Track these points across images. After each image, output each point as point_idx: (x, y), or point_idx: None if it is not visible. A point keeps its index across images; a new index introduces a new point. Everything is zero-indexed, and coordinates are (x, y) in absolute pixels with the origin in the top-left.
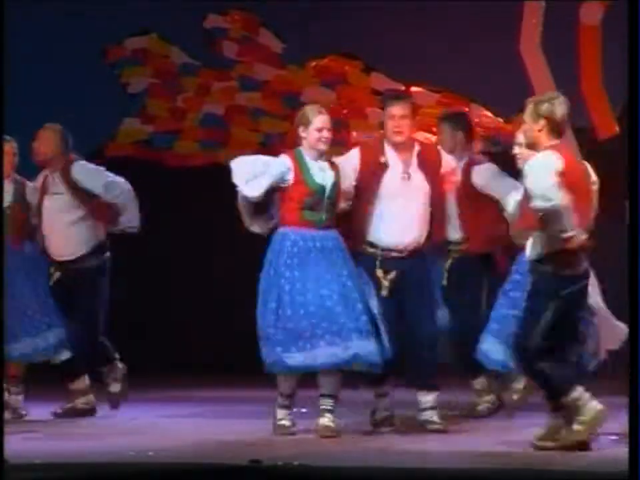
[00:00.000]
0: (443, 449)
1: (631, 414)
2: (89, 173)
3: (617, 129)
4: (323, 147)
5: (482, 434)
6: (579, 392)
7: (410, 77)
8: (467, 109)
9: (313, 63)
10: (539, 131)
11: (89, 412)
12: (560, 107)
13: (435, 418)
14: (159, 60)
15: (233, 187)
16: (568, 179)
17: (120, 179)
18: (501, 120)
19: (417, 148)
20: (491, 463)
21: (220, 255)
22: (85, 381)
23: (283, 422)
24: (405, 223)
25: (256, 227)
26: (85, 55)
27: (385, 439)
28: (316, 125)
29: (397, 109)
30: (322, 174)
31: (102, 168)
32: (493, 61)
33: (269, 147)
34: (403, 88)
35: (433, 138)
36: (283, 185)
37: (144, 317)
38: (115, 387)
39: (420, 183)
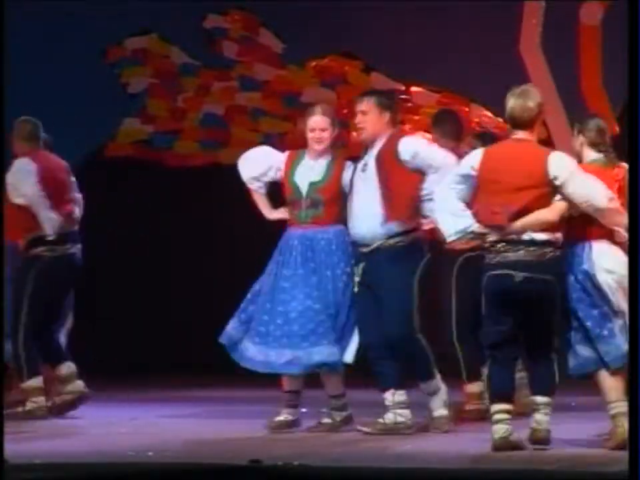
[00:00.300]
0: (442, 449)
1: (631, 414)
2: (12, 169)
3: (617, 128)
4: (316, 146)
5: (482, 434)
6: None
7: (410, 77)
8: (466, 109)
9: (313, 63)
10: None
11: (76, 401)
12: (509, 100)
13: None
14: (159, 60)
15: (232, 187)
16: (482, 175)
17: (28, 182)
18: (500, 120)
19: (383, 140)
20: (491, 463)
21: (220, 255)
22: (69, 368)
23: (280, 417)
24: (360, 215)
25: (275, 214)
26: (85, 55)
27: (384, 439)
28: (309, 126)
29: (357, 105)
30: (307, 173)
31: (32, 170)
32: (493, 60)
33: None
34: (403, 88)
35: None
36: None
37: (144, 317)
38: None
39: (372, 174)
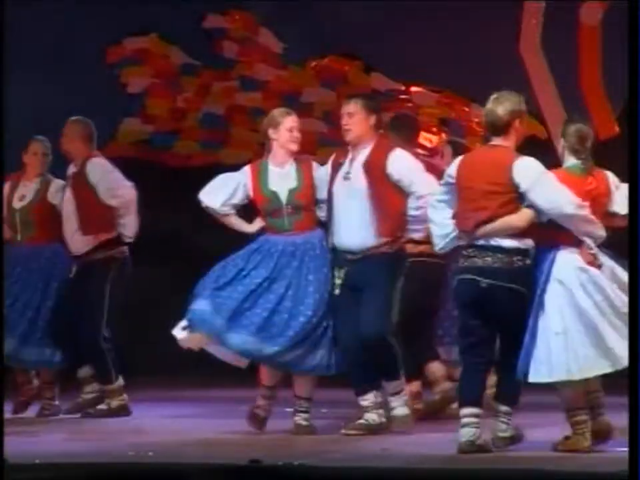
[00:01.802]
0: (443, 449)
1: (630, 414)
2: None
3: (617, 129)
4: (294, 147)
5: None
6: None
7: (410, 77)
8: (466, 109)
9: (313, 63)
10: None
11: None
12: (486, 105)
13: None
14: (159, 60)
15: None
16: (458, 182)
17: (125, 184)
18: None
19: (371, 146)
20: (491, 463)
21: (220, 255)
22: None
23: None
24: (347, 223)
25: (254, 227)
26: (85, 55)
27: (385, 439)
28: (286, 125)
29: (345, 107)
30: (281, 181)
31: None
32: (493, 61)
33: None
34: (403, 88)
35: (434, 138)
36: (250, 196)
37: (144, 317)
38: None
39: (359, 182)
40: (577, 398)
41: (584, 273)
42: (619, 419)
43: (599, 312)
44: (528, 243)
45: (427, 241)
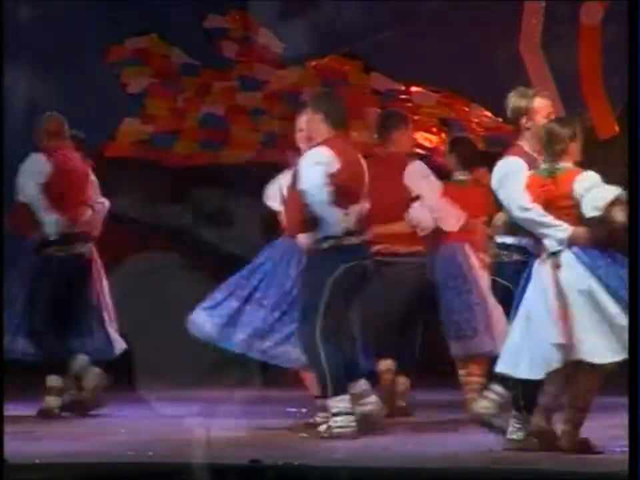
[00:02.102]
0: (442, 449)
1: (630, 414)
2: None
3: (617, 129)
4: (300, 145)
5: (481, 434)
6: None
7: (410, 77)
8: (466, 109)
9: (313, 63)
10: None
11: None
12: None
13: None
14: (159, 60)
15: (232, 186)
16: None
17: (31, 181)
18: (500, 120)
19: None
20: (490, 463)
21: (220, 254)
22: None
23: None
24: None
25: None
26: (86, 55)
27: (385, 439)
28: (297, 126)
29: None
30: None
31: (39, 170)
32: (492, 60)
33: (269, 147)
34: (403, 88)
35: (433, 138)
36: None
37: (144, 316)
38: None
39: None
40: (548, 396)
41: (537, 273)
42: (619, 419)
43: (538, 313)
44: (514, 239)
45: (386, 240)
